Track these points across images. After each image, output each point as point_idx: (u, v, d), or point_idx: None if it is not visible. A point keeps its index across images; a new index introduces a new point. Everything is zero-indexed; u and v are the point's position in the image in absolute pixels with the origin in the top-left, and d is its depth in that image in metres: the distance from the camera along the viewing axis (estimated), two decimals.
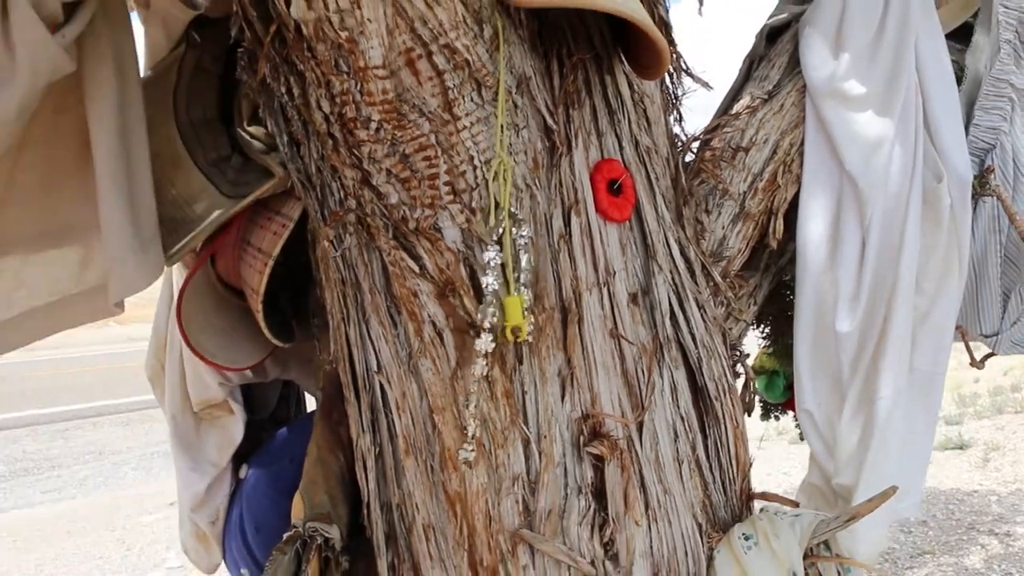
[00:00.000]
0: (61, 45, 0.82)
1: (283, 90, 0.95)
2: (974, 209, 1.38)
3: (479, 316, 0.88)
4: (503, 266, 0.87)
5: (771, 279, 1.40)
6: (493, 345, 0.88)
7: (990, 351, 1.48)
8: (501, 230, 0.87)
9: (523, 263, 0.90)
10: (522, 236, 0.87)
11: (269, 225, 1.07)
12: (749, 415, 1.33)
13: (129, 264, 0.96)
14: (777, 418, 1.78)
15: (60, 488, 8.83)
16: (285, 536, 1.04)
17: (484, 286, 0.88)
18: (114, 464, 9.83)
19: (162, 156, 1.05)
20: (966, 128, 1.37)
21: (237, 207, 1.04)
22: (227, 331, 1.20)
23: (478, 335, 0.88)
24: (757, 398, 1.81)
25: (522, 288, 0.87)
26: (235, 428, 1.30)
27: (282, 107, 0.99)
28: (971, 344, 1.53)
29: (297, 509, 1.09)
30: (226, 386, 1.27)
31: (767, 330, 1.60)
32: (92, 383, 13.74)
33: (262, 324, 1.10)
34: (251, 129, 1.07)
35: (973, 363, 1.50)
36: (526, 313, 0.88)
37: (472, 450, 0.89)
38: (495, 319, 0.86)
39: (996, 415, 8.10)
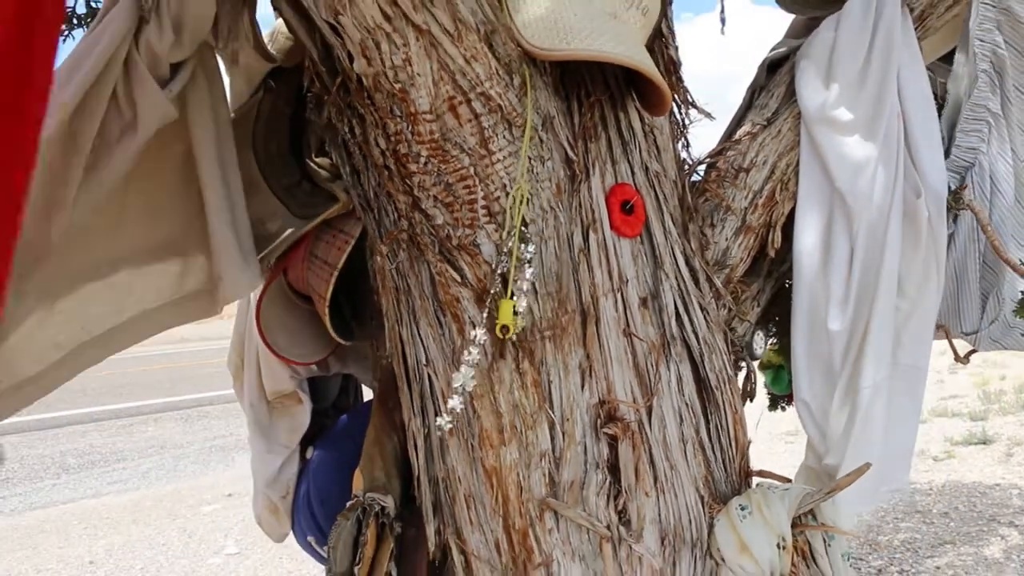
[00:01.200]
0: (168, 98, 0.99)
1: (346, 129, 1.10)
2: (955, 220, 1.50)
3: (498, 324, 1.03)
4: (504, 275, 1.01)
5: (773, 284, 1.53)
6: (484, 337, 1.03)
7: (973, 348, 1.59)
8: (513, 245, 1.02)
9: (527, 274, 1.04)
10: (528, 252, 1.01)
11: (334, 241, 1.23)
12: (751, 402, 1.46)
13: (236, 274, 1.13)
14: (783, 408, 1.90)
15: (125, 480, 9.11)
16: (347, 505, 1.20)
17: (511, 287, 1.04)
18: (175, 457, 10.11)
19: (244, 182, 1.21)
20: (948, 149, 1.49)
21: (308, 226, 1.20)
22: (297, 331, 1.37)
23: (502, 330, 1.03)
24: (766, 390, 1.94)
25: (521, 295, 1.01)
26: (303, 415, 1.46)
27: (344, 143, 1.15)
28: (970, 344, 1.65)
29: (357, 483, 1.24)
30: (295, 379, 1.44)
31: (774, 329, 1.72)
32: (150, 381, 14.09)
33: (328, 325, 1.25)
34: (318, 160, 1.23)
35: (957, 359, 1.61)
36: (519, 316, 1.03)
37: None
38: (510, 323, 1.01)
39: (1021, 411, 8.05)
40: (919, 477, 6.66)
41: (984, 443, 7.08)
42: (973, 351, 1.62)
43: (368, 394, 1.63)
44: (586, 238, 1.12)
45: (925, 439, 7.71)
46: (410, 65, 0.96)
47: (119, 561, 6.55)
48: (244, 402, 1.50)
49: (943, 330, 1.57)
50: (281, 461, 1.47)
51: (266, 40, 1.23)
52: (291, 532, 1.52)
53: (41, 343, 0.99)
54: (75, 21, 1.91)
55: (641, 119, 1.22)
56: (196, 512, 7.63)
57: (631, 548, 1.13)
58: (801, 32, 1.60)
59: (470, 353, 0.99)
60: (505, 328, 1.00)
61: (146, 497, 8.37)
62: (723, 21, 1.63)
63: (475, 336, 1.00)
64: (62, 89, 0.86)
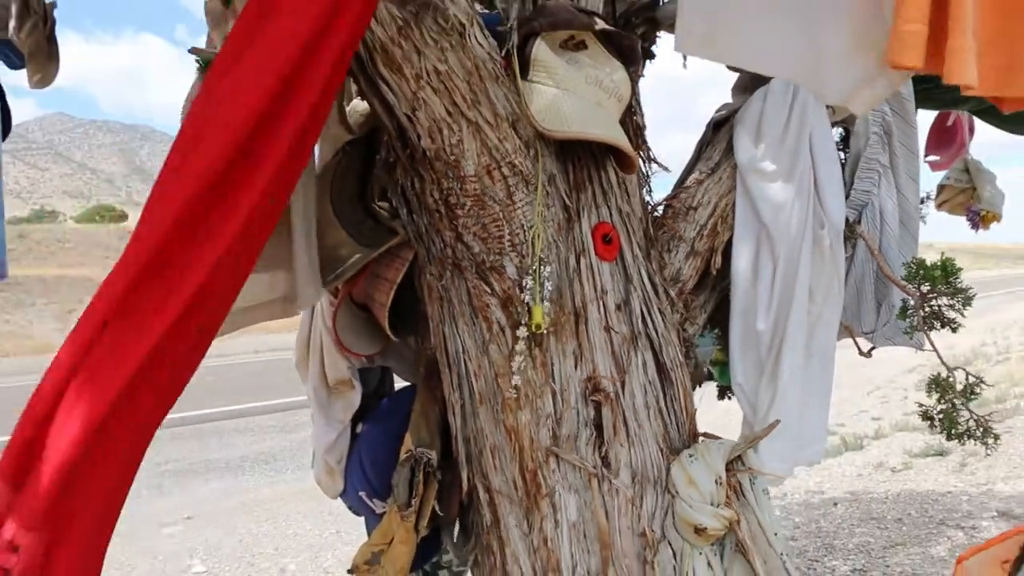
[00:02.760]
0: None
1: (408, 183, 1.67)
2: (853, 246, 2.11)
3: (525, 320, 1.60)
4: (531, 290, 1.59)
5: (717, 295, 2.11)
6: (526, 333, 1.60)
7: (872, 345, 2.20)
8: (533, 268, 1.59)
9: (546, 288, 1.61)
10: (545, 272, 1.58)
11: (392, 263, 1.78)
12: (699, 385, 2.04)
13: (307, 290, 1.69)
14: (729, 398, 2.48)
15: None
16: (403, 457, 1.76)
17: (524, 300, 1.60)
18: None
19: (322, 219, 1.76)
20: (848, 192, 2.10)
21: (373, 254, 1.76)
22: (358, 332, 1.91)
23: (518, 327, 1.60)
24: (715, 383, 2.54)
25: (544, 302, 1.58)
26: (355, 397, 2.01)
27: (404, 192, 1.71)
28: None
29: (407, 443, 1.80)
30: (350, 369, 1.98)
31: (719, 331, 2.30)
32: None
33: (385, 327, 1.81)
34: (380, 203, 1.79)
35: (861, 353, 2.22)
36: (546, 316, 1.60)
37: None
38: (529, 317, 1.58)
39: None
40: (877, 487, 7.33)
41: (940, 455, 7.76)
42: (873, 348, 2.23)
43: (399, 383, 2.19)
44: (578, 262, 1.69)
45: (886, 452, 8.41)
46: (462, 144, 1.53)
47: None
48: (308, 387, 2.05)
49: (848, 330, 2.17)
50: (336, 434, 2.01)
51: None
52: (343, 489, 2.07)
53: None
54: None
55: (616, 174, 1.80)
56: (157, 534, 8.08)
57: (611, 483, 1.70)
58: (749, 86, 2.18)
59: (520, 344, 1.56)
60: (538, 326, 1.56)
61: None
62: (684, 59, 2.18)
63: (521, 332, 1.57)
64: None
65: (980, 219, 3.50)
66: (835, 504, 6.87)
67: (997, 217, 3.49)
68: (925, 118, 3.13)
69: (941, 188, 3.55)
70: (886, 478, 7.41)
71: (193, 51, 1.75)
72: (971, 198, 3.50)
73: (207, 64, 1.75)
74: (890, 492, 6.90)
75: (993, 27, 0.85)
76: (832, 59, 0.94)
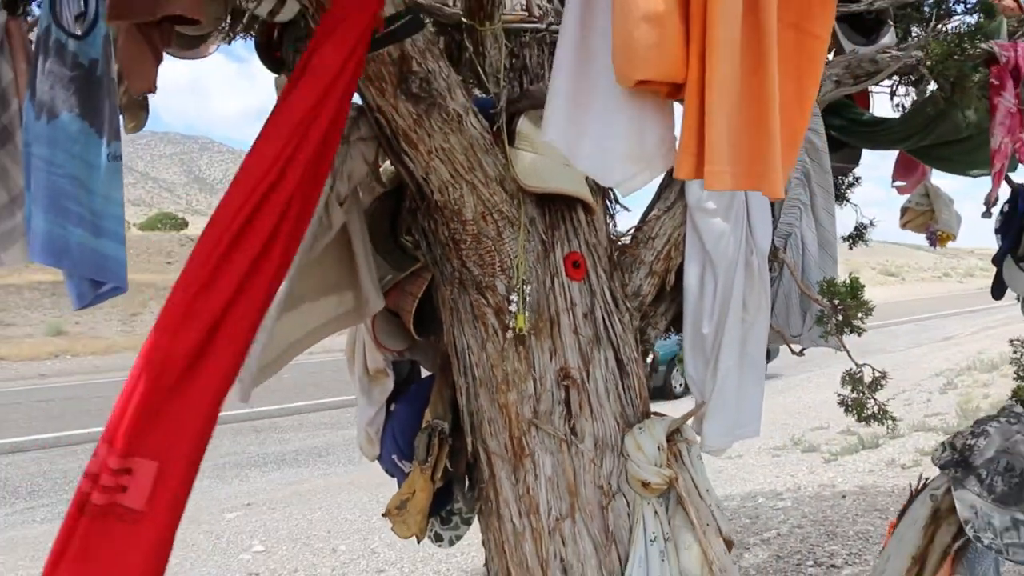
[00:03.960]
0: (344, 212, 2.14)
1: (426, 224, 2.26)
2: (781, 267, 2.65)
3: (512, 323, 2.17)
4: (517, 303, 2.16)
5: (674, 306, 2.67)
6: (514, 334, 2.18)
7: (803, 346, 2.74)
8: (517, 287, 2.17)
9: (527, 302, 2.19)
10: (526, 290, 2.16)
11: (416, 281, 2.38)
12: (651, 375, 2.60)
13: (374, 300, 2.29)
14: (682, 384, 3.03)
15: None
16: (423, 426, 2.35)
17: (512, 311, 2.18)
18: None
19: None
20: (775, 225, 2.65)
21: (402, 275, 2.36)
22: (391, 333, 2.52)
23: (507, 329, 2.18)
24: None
25: (526, 312, 2.16)
26: (389, 383, 2.62)
27: (424, 230, 2.30)
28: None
29: (426, 417, 2.39)
30: (386, 361, 2.59)
31: (679, 335, 2.84)
32: None
33: (411, 329, 2.40)
34: (406, 238, 2.39)
35: (794, 353, 2.76)
36: (528, 322, 2.18)
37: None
38: (516, 323, 2.16)
39: None
40: (886, 483, 7.78)
41: None
42: (803, 349, 2.77)
43: (423, 373, 2.80)
44: (552, 282, 2.27)
45: (900, 450, 8.85)
46: (463, 198, 2.11)
47: None
48: (353, 376, 2.66)
49: (779, 333, 2.72)
50: (375, 411, 2.61)
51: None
52: (380, 454, 2.67)
53: (279, 339, 2.14)
54: None
55: (584, 213, 2.38)
56: (219, 519, 8.81)
57: (578, 448, 2.27)
58: None
59: (509, 339, 2.15)
60: (522, 329, 2.14)
61: None
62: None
63: (509, 334, 2.15)
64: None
65: (937, 238, 4.00)
66: (843, 496, 7.34)
67: (952, 236, 3.99)
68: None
69: (905, 210, 4.05)
70: (895, 474, 7.85)
71: None
72: (931, 219, 4.00)
73: None
74: (897, 487, 7.34)
75: (744, 140, 1.37)
76: (619, 160, 1.46)
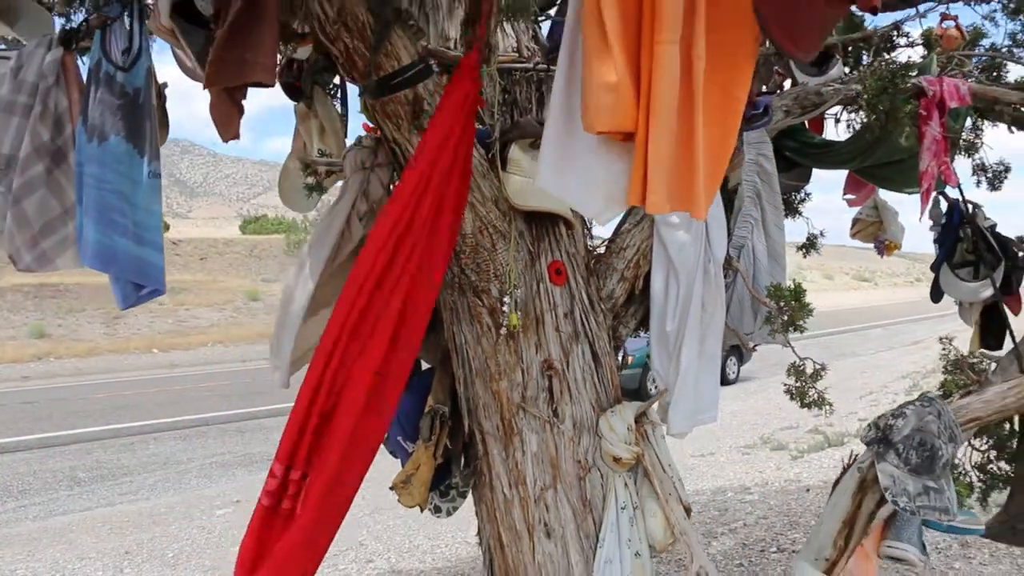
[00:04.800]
0: (363, 228, 2.54)
1: None
2: (734, 275, 3.07)
3: (504, 321, 2.58)
4: (508, 304, 2.57)
5: (642, 308, 3.08)
6: (506, 331, 2.58)
7: (754, 343, 3.17)
8: (508, 291, 2.57)
9: (517, 303, 2.60)
10: (516, 293, 2.57)
11: None
12: (622, 370, 3.01)
13: None
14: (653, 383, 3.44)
15: (135, 491, 10.58)
16: (426, 410, 2.75)
17: (504, 311, 2.59)
18: (178, 472, 11.57)
19: None
20: (730, 237, 3.07)
21: None
22: None
23: (499, 327, 2.59)
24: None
25: (516, 312, 2.56)
26: None
27: None
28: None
29: (429, 403, 2.79)
30: None
31: (646, 333, 3.25)
32: (146, 404, 15.49)
33: None
34: None
35: (747, 349, 3.18)
36: (518, 320, 2.58)
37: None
38: (508, 321, 2.56)
39: None
40: None
41: None
42: (756, 346, 3.20)
43: (423, 366, 3.20)
44: (538, 287, 2.68)
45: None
46: (463, 217, 2.51)
47: (151, 551, 8.08)
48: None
49: (734, 331, 3.14)
50: None
51: None
52: (388, 436, 3.06)
53: (306, 338, 2.53)
54: None
55: (565, 227, 2.78)
56: (211, 515, 9.16)
57: (559, 428, 2.68)
58: None
59: (501, 335, 2.55)
60: (513, 327, 2.54)
61: (158, 505, 9.86)
62: None
63: (503, 327, 2.55)
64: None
65: (884, 247, 4.46)
66: (807, 490, 7.80)
67: (897, 246, 4.44)
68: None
69: (855, 221, 4.50)
70: None
71: (311, 162, 2.76)
72: (879, 230, 4.46)
73: (306, 166, 2.76)
74: None
75: (676, 175, 1.78)
76: (597, 198, 1.88)
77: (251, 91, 2.52)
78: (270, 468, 2.14)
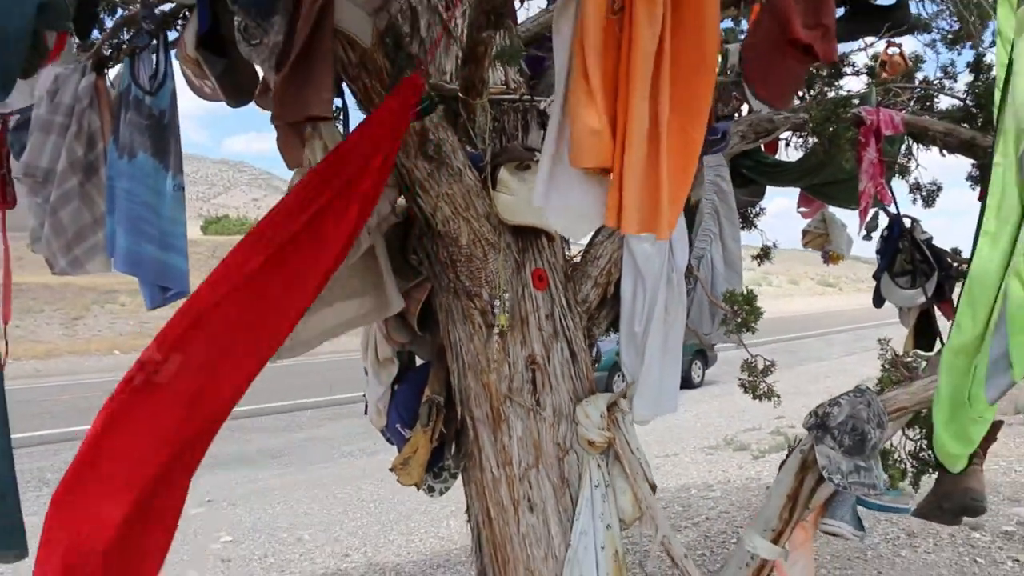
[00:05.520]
0: (370, 237, 2.97)
1: (431, 247, 3.11)
2: (694, 282, 3.55)
3: (491, 323, 3.03)
4: (498, 307, 3.02)
5: (613, 311, 3.54)
6: (497, 331, 3.03)
7: (712, 342, 3.65)
8: (498, 294, 3.02)
9: (506, 307, 3.05)
10: (505, 297, 3.02)
11: (420, 289, 3.22)
12: (597, 365, 3.48)
13: (395, 302, 3.12)
14: (623, 378, 3.92)
15: None
16: (424, 399, 3.20)
17: (494, 312, 3.04)
18: None
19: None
20: (691, 248, 3.54)
21: (410, 285, 3.20)
22: (397, 328, 3.36)
23: (489, 326, 3.04)
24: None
25: (504, 313, 3.02)
26: (394, 369, 3.46)
27: (427, 251, 3.15)
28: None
29: (426, 393, 3.23)
30: (393, 351, 3.42)
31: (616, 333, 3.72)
32: None
33: (415, 326, 3.24)
34: (414, 256, 3.23)
35: (707, 347, 3.64)
36: (506, 321, 3.04)
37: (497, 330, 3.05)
38: (497, 321, 3.02)
39: None
40: None
41: None
42: (713, 344, 3.67)
43: (418, 361, 3.64)
44: (523, 291, 3.13)
45: None
46: (460, 228, 2.97)
47: None
48: (368, 364, 3.48)
49: (694, 332, 3.62)
50: (383, 390, 3.45)
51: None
52: (386, 424, 3.50)
53: (313, 327, 2.96)
54: None
55: (547, 239, 3.24)
56: (185, 514, 9.42)
57: (541, 415, 3.13)
58: None
59: (493, 335, 3.00)
60: (501, 326, 2.99)
61: None
62: None
63: (493, 327, 3.00)
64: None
65: (830, 256, 4.98)
66: (767, 488, 8.31)
67: (842, 256, 4.97)
68: None
69: (805, 232, 5.02)
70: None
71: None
72: (826, 241, 4.97)
73: None
74: None
75: (644, 202, 2.24)
76: (576, 219, 2.36)
77: None
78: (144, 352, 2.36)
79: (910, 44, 5.41)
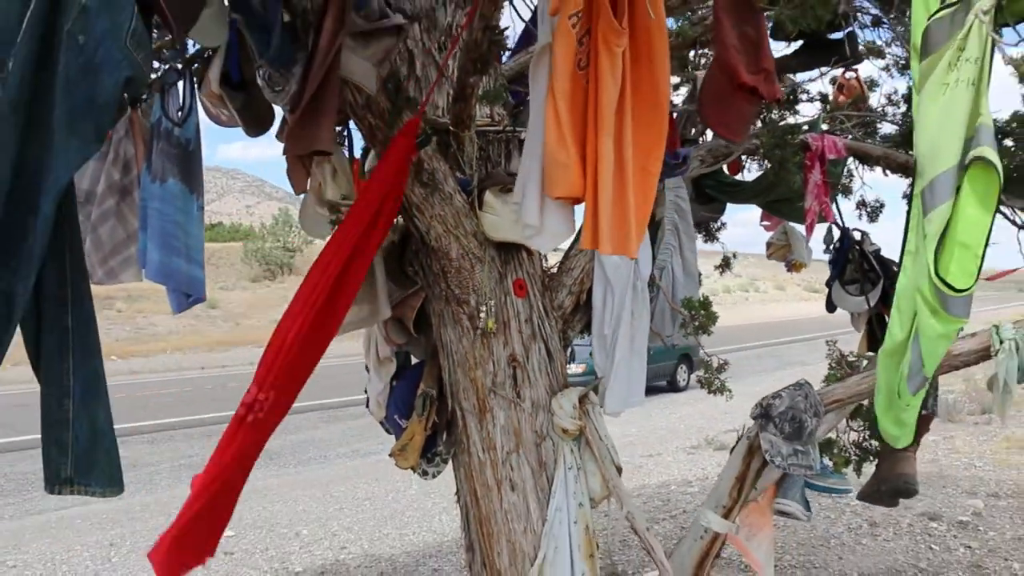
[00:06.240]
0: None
1: (425, 260, 3.60)
2: (657, 290, 4.05)
3: (477, 325, 3.53)
4: (484, 312, 3.52)
5: (586, 316, 4.04)
6: (481, 332, 3.53)
7: (673, 343, 4.15)
8: (483, 301, 3.52)
9: (491, 312, 3.55)
10: (490, 303, 3.51)
11: (415, 297, 3.71)
12: (572, 362, 3.95)
13: (385, 310, 3.61)
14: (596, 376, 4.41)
15: None
16: (419, 393, 3.69)
17: (480, 317, 3.53)
18: (148, 474, 12.30)
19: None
20: (654, 260, 4.05)
21: (406, 293, 3.69)
22: (395, 331, 3.85)
23: (476, 329, 3.53)
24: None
25: (489, 317, 3.51)
26: (392, 367, 3.95)
27: (422, 264, 3.64)
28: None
29: (421, 387, 3.73)
30: (391, 351, 3.91)
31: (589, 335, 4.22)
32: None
33: (411, 329, 3.73)
34: (410, 267, 3.72)
35: (666, 346, 4.15)
36: (491, 324, 3.53)
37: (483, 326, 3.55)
38: (483, 325, 3.51)
39: None
40: None
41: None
42: (675, 344, 4.18)
43: (414, 360, 4.13)
44: (505, 298, 3.63)
45: None
46: (451, 244, 3.46)
47: (135, 543, 8.86)
48: (369, 363, 3.97)
49: (657, 334, 4.12)
50: (383, 386, 3.94)
51: None
52: (385, 416, 3.98)
53: None
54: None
55: (526, 253, 3.74)
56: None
57: (521, 407, 3.63)
58: None
59: (479, 336, 3.50)
60: (488, 328, 3.49)
61: (132, 504, 10.60)
62: None
63: (477, 329, 3.49)
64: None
65: (792, 265, 5.49)
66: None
67: (804, 265, 5.47)
68: None
69: (768, 244, 5.52)
70: None
71: (335, 203, 3.68)
72: (788, 252, 5.48)
73: (331, 206, 3.68)
74: None
75: (614, 226, 2.74)
76: (549, 238, 2.87)
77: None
78: (248, 390, 2.90)
79: (867, 68, 5.93)
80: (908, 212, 3.16)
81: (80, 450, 2.57)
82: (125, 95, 2.35)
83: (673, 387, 18.42)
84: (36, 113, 2.08)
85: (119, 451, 2.65)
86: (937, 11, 2.80)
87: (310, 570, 7.37)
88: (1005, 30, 3.26)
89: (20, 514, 10.49)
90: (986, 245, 2.68)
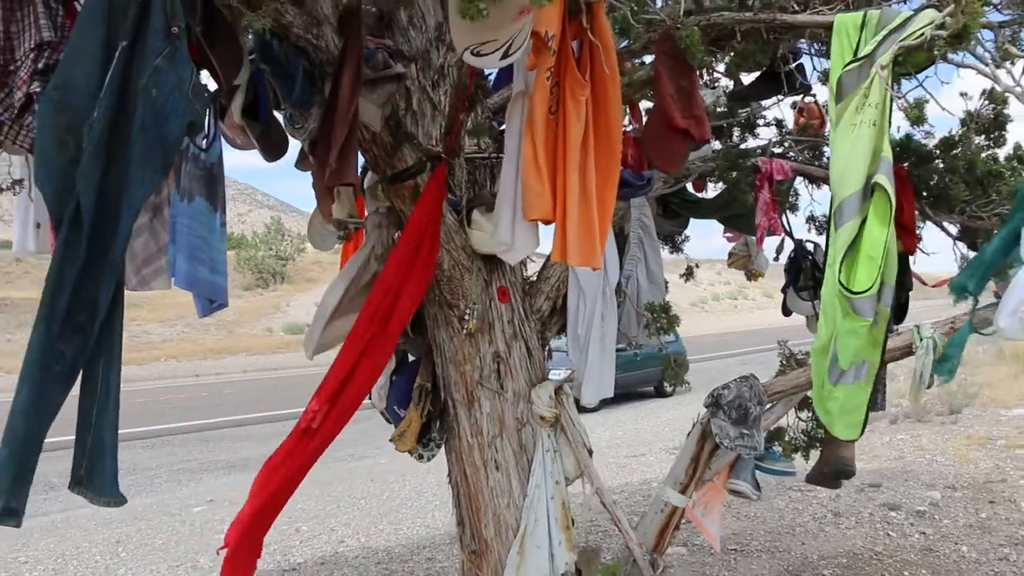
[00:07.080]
0: (377, 263, 4.07)
1: None
2: (623, 297, 4.67)
3: (466, 326, 4.13)
4: (471, 314, 4.13)
5: (562, 319, 4.65)
6: (468, 332, 4.14)
7: (638, 342, 4.76)
8: (471, 306, 4.13)
9: (476, 314, 4.16)
10: (476, 308, 4.12)
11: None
12: (549, 358, 4.58)
13: None
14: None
15: None
16: (416, 386, 4.29)
17: (468, 319, 4.14)
18: (148, 477, 12.83)
19: None
20: (622, 269, 4.66)
21: None
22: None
23: (465, 330, 4.14)
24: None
25: (476, 319, 4.12)
26: (392, 363, 4.55)
27: None
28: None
29: (417, 380, 4.33)
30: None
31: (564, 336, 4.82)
32: None
33: (408, 330, 4.33)
34: None
35: (630, 345, 4.77)
36: (477, 325, 4.14)
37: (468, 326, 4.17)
38: (469, 325, 4.12)
39: None
40: None
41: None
42: (640, 344, 4.80)
43: (410, 358, 4.74)
44: (490, 303, 4.24)
45: None
46: (443, 258, 4.07)
47: (141, 540, 9.40)
48: None
49: (624, 334, 4.73)
50: (383, 380, 4.54)
51: None
52: (386, 406, 4.58)
53: (334, 331, 4.05)
54: None
55: (509, 264, 4.34)
56: (188, 511, 10.45)
57: (504, 397, 4.24)
58: None
59: (466, 335, 4.11)
60: (472, 328, 4.09)
61: (135, 506, 11.14)
62: None
63: (465, 330, 4.10)
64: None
65: (752, 274, 6.12)
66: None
67: (762, 274, 6.10)
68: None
69: (730, 254, 6.15)
70: None
71: (342, 221, 4.28)
72: (748, 262, 6.11)
73: (339, 224, 4.28)
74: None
75: (581, 242, 3.35)
76: (520, 252, 3.49)
77: None
78: (307, 405, 3.61)
79: (824, 93, 6.55)
80: (827, 231, 3.78)
81: (90, 455, 3.07)
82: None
83: (660, 393, 19.03)
84: (116, 151, 2.70)
85: (118, 464, 3.03)
86: (848, 63, 3.43)
87: (310, 561, 7.92)
88: (910, 78, 3.92)
89: (26, 516, 10.93)
90: (884, 255, 3.30)
